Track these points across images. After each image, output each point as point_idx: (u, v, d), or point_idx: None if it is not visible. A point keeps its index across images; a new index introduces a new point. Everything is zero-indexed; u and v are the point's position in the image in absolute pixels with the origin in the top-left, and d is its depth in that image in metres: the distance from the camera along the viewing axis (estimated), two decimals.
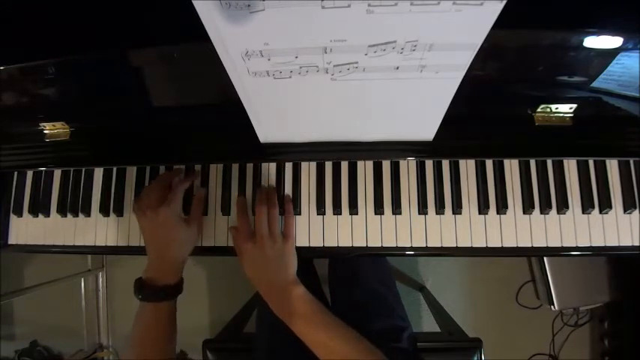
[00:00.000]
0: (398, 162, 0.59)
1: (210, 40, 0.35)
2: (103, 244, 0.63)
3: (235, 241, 0.57)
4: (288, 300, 0.52)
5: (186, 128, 0.57)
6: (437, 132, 0.50)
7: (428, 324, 1.37)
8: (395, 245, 0.58)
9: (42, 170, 0.66)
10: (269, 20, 0.32)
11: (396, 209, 0.58)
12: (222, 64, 0.38)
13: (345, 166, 0.60)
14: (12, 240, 0.67)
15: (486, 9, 0.31)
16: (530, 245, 0.56)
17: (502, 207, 0.57)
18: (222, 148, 0.57)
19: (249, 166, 0.61)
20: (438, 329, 1.05)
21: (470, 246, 0.57)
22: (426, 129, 0.50)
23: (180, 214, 0.56)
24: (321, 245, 0.59)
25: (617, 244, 0.56)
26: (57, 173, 0.66)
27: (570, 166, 0.58)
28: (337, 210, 0.59)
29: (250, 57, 0.37)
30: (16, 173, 0.67)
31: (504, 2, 0.30)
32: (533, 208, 0.57)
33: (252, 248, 0.53)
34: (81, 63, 0.49)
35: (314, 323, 0.51)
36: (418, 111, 0.46)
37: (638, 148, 0.53)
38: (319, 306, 0.53)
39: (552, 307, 1.24)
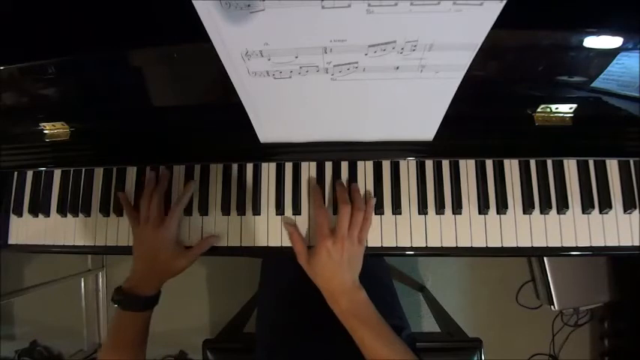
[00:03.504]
0: (398, 162, 0.59)
1: (210, 40, 0.35)
2: (103, 244, 0.63)
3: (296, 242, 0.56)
4: (354, 302, 0.53)
5: (186, 128, 0.57)
6: (437, 132, 0.50)
7: (428, 324, 1.37)
8: (395, 245, 0.58)
9: (42, 170, 0.66)
10: (269, 20, 0.32)
11: (396, 209, 0.58)
12: (222, 64, 0.38)
13: (345, 166, 0.60)
14: (12, 240, 0.67)
15: (486, 9, 0.31)
16: (530, 245, 0.56)
17: (502, 207, 0.57)
18: (222, 148, 0.57)
19: (249, 166, 0.61)
20: (438, 329, 1.05)
21: (470, 246, 0.57)
22: (426, 129, 0.50)
23: (177, 239, 0.58)
24: None
25: (617, 244, 0.56)
26: (57, 173, 0.66)
27: (570, 166, 0.58)
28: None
29: (250, 57, 0.37)
30: (16, 173, 0.67)
31: (504, 2, 0.30)
32: (533, 208, 0.57)
33: (331, 246, 0.53)
34: (81, 63, 0.49)
35: (375, 330, 0.51)
36: (418, 111, 0.46)
37: (638, 148, 0.53)
38: (380, 316, 0.53)
39: (552, 307, 1.24)
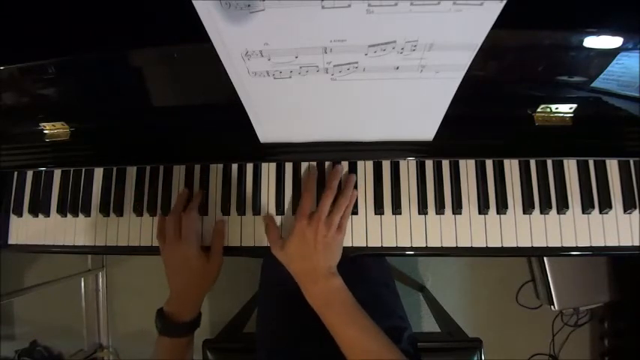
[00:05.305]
0: (398, 162, 0.59)
1: (210, 40, 0.35)
2: (103, 244, 0.63)
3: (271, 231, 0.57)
4: (327, 289, 0.52)
5: (186, 128, 0.57)
6: (437, 132, 0.50)
7: (428, 324, 1.37)
8: (395, 245, 0.58)
9: (42, 170, 0.66)
10: (269, 20, 0.32)
11: (396, 209, 0.58)
12: (221, 64, 0.38)
13: (345, 166, 0.60)
14: (12, 240, 0.67)
15: (486, 9, 0.31)
16: (530, 245, 0.56)
17: (502, 207, 0.57)
18: (222, 148, 0.57)
19: (249, 166, 0.61)
20: (438, 329, 1.05)
21: (470, 246, 0.57)
22: (426, 129, 0.50)
23: (200, 247, 0.58)
24: None
25: (617, 244, 0.56)
26: (57, 173, 0.66)
27: (570, 166, 0.58)
28: None
29: (250, 57, 0.37)
30: (16, 173, 0.67)
31: (504, 2, 0.30)
32: (533, 208, 0.57)
33: (306, 226, 0.53)
34: (81, 63, 0.49)
35: (348, 317, 0.50)
36: (418, 111, 0.46)
37: (638, 148, 0.53)
38: (355, 302, 0.52)
39: (552, 307, 1.24)
